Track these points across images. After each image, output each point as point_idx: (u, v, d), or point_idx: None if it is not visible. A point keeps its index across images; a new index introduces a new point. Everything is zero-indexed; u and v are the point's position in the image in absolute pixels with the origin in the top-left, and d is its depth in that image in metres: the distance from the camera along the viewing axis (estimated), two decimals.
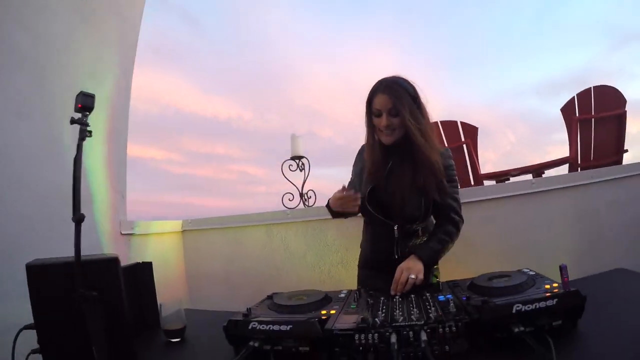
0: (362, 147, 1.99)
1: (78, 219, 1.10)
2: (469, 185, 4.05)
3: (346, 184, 1.93)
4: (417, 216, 1.81)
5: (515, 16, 8.50)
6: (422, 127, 1.75)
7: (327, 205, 1.89)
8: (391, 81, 1.76)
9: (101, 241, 2.56)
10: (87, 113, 1.22)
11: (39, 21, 2.32)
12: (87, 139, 1.20)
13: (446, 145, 4.14)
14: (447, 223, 1.83)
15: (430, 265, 1.73)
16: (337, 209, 1.75)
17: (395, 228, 1.83)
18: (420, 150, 1.73)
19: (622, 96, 3.77)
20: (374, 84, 1.80)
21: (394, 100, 1.71)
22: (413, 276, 1.54)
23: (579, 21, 7.76)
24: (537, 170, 3.91)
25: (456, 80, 8.87)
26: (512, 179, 4.07)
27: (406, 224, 1.83)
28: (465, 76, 8.82)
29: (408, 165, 1.77)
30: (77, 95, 1.21)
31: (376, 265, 1.94)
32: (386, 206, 1.83)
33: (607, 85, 3.85)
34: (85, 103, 1.21)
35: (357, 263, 2.12)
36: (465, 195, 2.71)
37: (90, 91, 1.22)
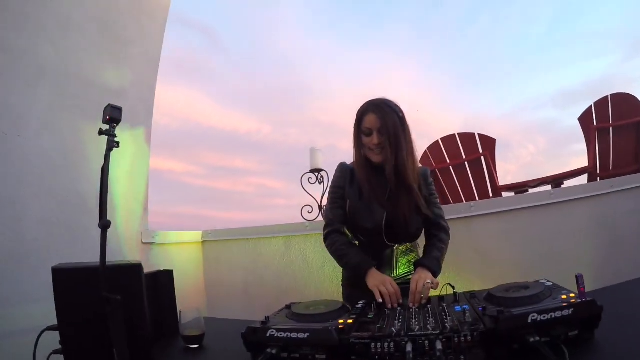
0: (342, 164, 2.03)
1: (104, 225, 1.14)
2: (487, 197, 4.03)
3: None
4: (418, 234, 1.93)
5: (530, 28, 8.47)
6: (409, 148, 1.85)
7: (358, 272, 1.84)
8: (380, 102, 1.85)
9: (123, 250, 2.62)
10: (115, 125, 1.26)
11: (63, 36, 2.40)
12: (116, 148, 1.24)
13: (464, 157, 4.15)
14: (440, 232, 1.92)
15: (436, 274, 1.76)
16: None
17: (395, 247, 1.93)
18: (407, 170, 1.81)
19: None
20: (361, 105, 1.88)
21: (383, 119, 1.79)
22: (429, 281, 1.59)
23: (595, 30, 7.69)
24: (556, 180, 3.87)
25: (474, 93, 8.86)
26: (531, 190, 4.04)
27: (405, 243, 1.95)
28: (483, 89, 8.81)
29: (402, 187, 1.84)
30: (106, 108, 1.26)
31: None
32: (390, 227, 1.87)
33: (624, 93, 3.80)
34: (113, 115, 1.25)
35: None
36: (484, 207, 2.71)
37: (108, 101, 1.26)
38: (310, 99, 9.00)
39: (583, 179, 3.78)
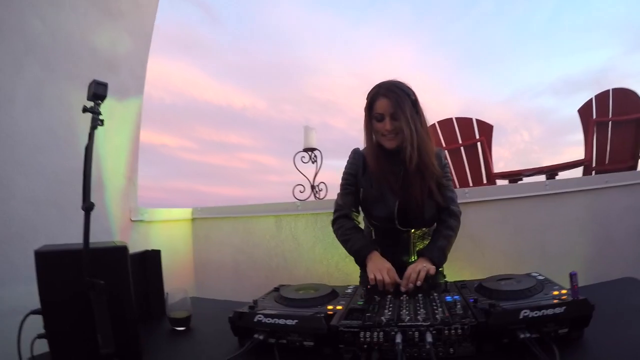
0: (356, 150, 1.98)
1: (87, 207, 1.10)
2: (481, 183, 4.03)
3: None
4: (434, 220, 1.87)
5: (533, 14, 8.38)
6: (424, 131, 1.77)
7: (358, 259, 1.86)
8: (392, 84, 1.75)
9: (111, 227, 2.59)
10: (100, 102, 1.22)
11: (54, 11, 2.32)
12: (101, 126, 1.20)
13: (460, 142, 4.13)
14: (449, 218, 1.86)
15: (440, 265, 1.74)
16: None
17: (412, 232, 1.89)
18: (422, 155, 1.74)
19: None
20: (371, 88, 1.79)
21: (395, 103, 1.70)
22: (425, 265, 1.58)
23: (599, 21, 7.63)
24: (551, 171, 3.86)
25: (473, 78, 8.82)
26: (525, 179, 4.04)
27: (421, 228, 1.90)
28: (483, 73, 8.76)
29: (415, 172, 1.77)
30: (90, 84, 1.21)
31: None
32: (404, 214, 1.83)
33: (625, 88, 3.78)
34: (98, 91, 1.20)
35: None
36: (477, 194, 2.71)
37: (104, 79, 1.22)
38: (306, 76, 8.93)
39: (578, 171, 3.77)
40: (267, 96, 8.71)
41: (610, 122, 3.72)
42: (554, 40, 8.22)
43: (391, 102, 1.70)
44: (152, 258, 1.81)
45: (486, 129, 4.12)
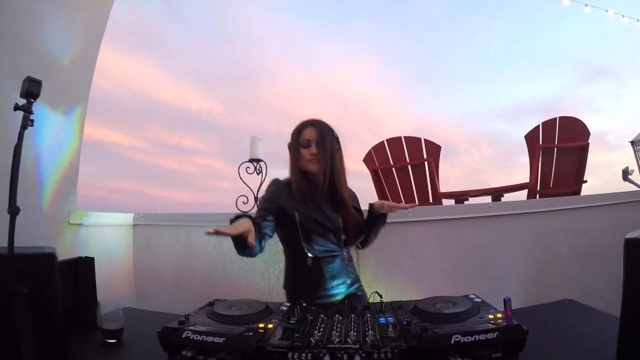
0: (276, 180, 2.02)
1: (13, 211, 1.04)
2: (428, 202, 4.09)
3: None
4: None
5: (490, 42, 8.70)
6: (342, 166, 1.97)
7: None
8: (319, 121, 1.95)
9: (47, 231, 2.45)
10: (32, 100, 1.16)
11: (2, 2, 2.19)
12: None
13: (408, 160, 4.24)
14: None
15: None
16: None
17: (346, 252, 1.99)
18: (341, 182, 1.94)
19: (587, 128, 3.89)
20: (300, 122, 1.97)
21: (320, 133, 1.89)
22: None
23: (552, 52, 7.99)
24: (497, 193, 3.97)
25: (429, 98, 9.03)
26: (471, 200, 4.13)
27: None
28: (439, 95, 8.99)
29: (337, 198, 1.93)
30: (24, 81, 1.15)
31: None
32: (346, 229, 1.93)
33: (572, 117, 3.96)
34: (31, 89, 1.15)
35: None
36: (423, 213, 2.72)
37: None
38: (266, 82, 8.89)
39: (523, 194, 3.89)
40: (224, 100, 8.61)
41: (555, 149, 3.86)
42: (508, 68, 8.55)
43: (317, 131, 1.90)
44: (84, 265, 1.75)
45: (434, 150, 4.22)
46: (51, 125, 2.49)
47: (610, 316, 1.36)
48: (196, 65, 8.04)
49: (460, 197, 4.18)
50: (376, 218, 1.97)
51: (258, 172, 3.43)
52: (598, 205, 2.97)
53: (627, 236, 1.03)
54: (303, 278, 1.87)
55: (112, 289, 1.71)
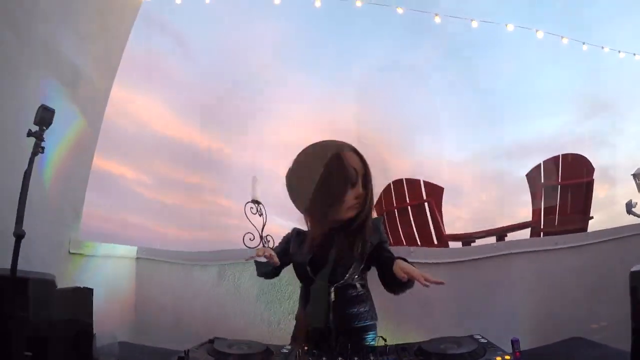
0: (295, 232, 1.85)
1: (19, 234, 1.06)
2: (431, 244, 4.08)
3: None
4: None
5: (495, 82, 8.83)
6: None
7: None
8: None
9: (48, 258, 2.43)
10: (45, 128, 1.18)
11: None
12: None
13: (408, 201, 4.27)
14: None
15: None
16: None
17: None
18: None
19: (590, 164, 3.88)
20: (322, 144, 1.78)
21: (365, 165, 1.68)
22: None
23: (554, 90, 8.09)
24: (500, 233, 3.93)
25: (433, 139, 9.10)
26: (478, 241, 4.09)
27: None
28: (442, 136, 9.06)
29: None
30: (38, 108, 1.18)
31: None
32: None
33: (575, 154, 3.96)
34: (44, 117, 1.17)
35: None
36: (423, 255, 2.70)
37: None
38: (273, 123, 8.98)
39: (527, 233, 3.85)
40: (232, 138, 8.70)
41: (559, 186, 3.85)
42: (512, 107, 8.65)
43: (361, 161, 1.65)
44: (82, 295, 1.71)
45: (436, 190, 4.26)
46: (61, 152, 2.51)
47: (621, 351, 1.33)
48: (207, 103, 8.17)
49: (466, 239, 4.12)
50: (398, 284, 1.59)
51: (260, 213, 3.43)
52: (605, 240, 2.92)
53: (632, 269, 1.03)
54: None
55: (111, 320, 1.69)
